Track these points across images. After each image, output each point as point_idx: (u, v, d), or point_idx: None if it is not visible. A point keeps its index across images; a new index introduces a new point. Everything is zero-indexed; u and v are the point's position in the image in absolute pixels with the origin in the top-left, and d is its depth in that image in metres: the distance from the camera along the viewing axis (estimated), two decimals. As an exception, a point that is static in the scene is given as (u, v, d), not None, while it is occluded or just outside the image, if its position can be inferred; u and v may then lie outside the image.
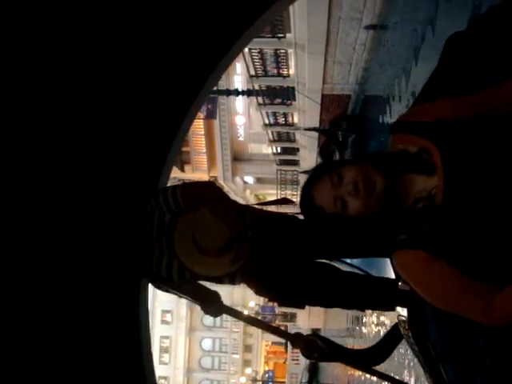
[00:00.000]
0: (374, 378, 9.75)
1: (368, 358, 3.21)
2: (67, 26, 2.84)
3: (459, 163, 1.60)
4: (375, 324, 10.40)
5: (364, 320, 12.61)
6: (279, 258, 3.04)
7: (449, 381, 1.94)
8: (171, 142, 3.13)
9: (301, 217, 2.95)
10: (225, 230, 2.88)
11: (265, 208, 3.44)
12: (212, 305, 3.01)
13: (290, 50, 13.22)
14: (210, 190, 2.95)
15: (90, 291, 2.98)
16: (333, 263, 3.24)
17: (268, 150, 24.35)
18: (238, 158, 26.50)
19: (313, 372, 25.27)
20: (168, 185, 3.13)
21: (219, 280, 3.04)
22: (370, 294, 3.16)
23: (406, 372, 8.02)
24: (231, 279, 3.03)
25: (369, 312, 11.01)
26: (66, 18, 2.83)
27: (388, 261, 1.80)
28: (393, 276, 2.84)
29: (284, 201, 3.67)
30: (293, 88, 14.91)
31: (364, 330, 12.47)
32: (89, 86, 2.92)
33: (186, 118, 3.22)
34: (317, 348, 2.96)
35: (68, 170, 2.97)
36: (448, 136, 1.63)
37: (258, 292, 3.23)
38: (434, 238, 1.61)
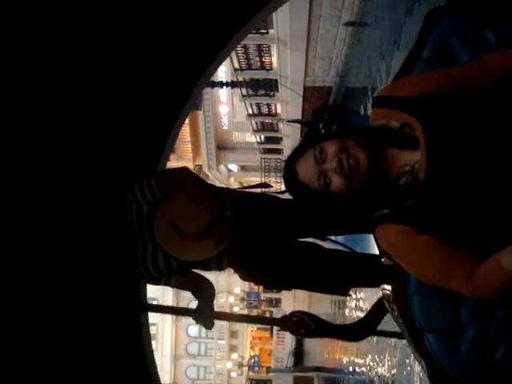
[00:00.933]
0: (360, 360, 10.09)
1: (354, 332, 3.26)
2: (67, 22, 3.01)
3: (441, 137, 1.60)
4: (359, 308, 10.49)
5: (347, 304, 12.45)
6: (261, 237, 3.03)
7: (433, 352, 1.94)
8: (173, 125, 3.51)
9: (281, 197, 3.12)
10: (204, 213, 2.86)
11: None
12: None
13: (273, 45, 13.57)
14: (184, 176, 2.92)
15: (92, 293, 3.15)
16: (316, 242, 3.26)
17: (251, 138, 24.57)
18: (223, 147, 26.61)
19: (298, 356, 25.11)
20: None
21: (206, 265, 3.02)
22: (353, 271, 3.18)
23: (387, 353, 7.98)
24: (218, 263, 3.01)
25: (352, 296, 10.78)
26: (64, 13, 2.99)
27: (372, 238, 1.84)
28: (377, 252, 3.05)
29: (263, 185, 3.63)
30: (276, 80, 15.31)
31: (347, 313, 12.41)
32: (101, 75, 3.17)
33: (187, 104, 3.61)
34: (304, 324, 3.01)
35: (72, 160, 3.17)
36: (430, 110, 1.63)
37: (244, 275, 3.22)
38: (417, 211, 1.62)
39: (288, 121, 16.20)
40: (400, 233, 1.62)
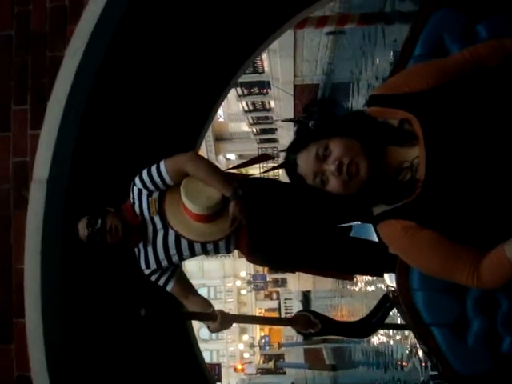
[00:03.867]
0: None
1: (360, 329, 3.24)
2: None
3: (440, 132, 1.56)
4: (363, 282, 10.41)
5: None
6: (269, 218, 3.00)
7: (441, 346, 1.92)
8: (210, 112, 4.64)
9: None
10: (215, 194, 2.85)
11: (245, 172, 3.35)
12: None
13: (264, 54, 14.84)
14: (193, 158, 2.89)
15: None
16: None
17: (247, 128, 25.68)
18: (220, 138, 27.47)
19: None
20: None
21: (216, 248, 2.99)
22: (361, 258, 3.16)
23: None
24: (227, 245, 2.99)
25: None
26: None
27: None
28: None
29: (264, 157, 3.60)
30: (268, 82, 16.61)
31: (351, 288, 12.42)
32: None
33: (222, 95, 4.83)
34: (310, 323, 2.98)
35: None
36: (426, 105, 1.60)
37: (251, 257, 3.13)
38: (419, 206, 1.58)
39: (282, 120, 17.39)
40: (403, 229, 1.59)
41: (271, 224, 3.01)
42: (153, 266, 2.98)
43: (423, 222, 1.58)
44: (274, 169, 3.56)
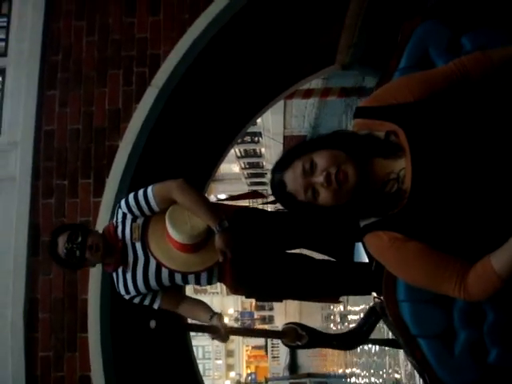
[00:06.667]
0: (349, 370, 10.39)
1: (347, 341, 3.17)
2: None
3: (425, 143, 1.54)
4: (348, 321, 10.38)
5: (337, 317, 12.73)
6: (252, 249, 2.94)
7: (428, 357, 1.91)
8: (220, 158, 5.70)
9: (270, 209, 3.20)
10: (200, 224, 2.76)
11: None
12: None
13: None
14: (181, 186, 2.79)
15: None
16: (304, 252, 3.18)
17: (237, 169, 26.58)
18: (212, 179, 28.48)
19: (292, 370, 25.76)
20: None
21: (196, 278, 2.91)
22: (343, 280, 3.10)
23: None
24: (208, 276, 2.91)
25: (340, 309, 11.23)
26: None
27: (361, 246, 1.81)
28: (366, 260, 2.87)
29: (254, 194, 3.56)
30: (260, 132, 17.98)
31: (336, 327, 12.38)
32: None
33: (235, 139, 5.86)
34: (298, 336, 2.90)
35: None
36: (412, 117, 1.59)
37: (234, 288, 3.04)
38: (405, 218, 1.56)
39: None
40: (389, 240, 1.57)
41: (255, 254, 2.96)
42: (132, 292, 2.93)
43: (409, 233, 1.56)
44: (267, 203, 3.54)
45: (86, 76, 4.48)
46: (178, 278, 2.87)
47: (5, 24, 4.65)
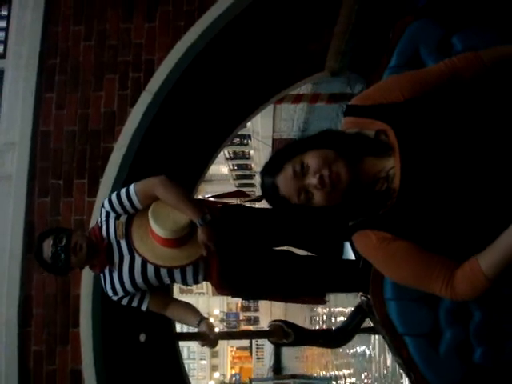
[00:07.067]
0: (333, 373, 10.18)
1: (334, 339, 3.15)
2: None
3: (415, 143, 1.54)
4: (333, 323, 10.14)
5: (319, 319, 12.75)
6: (237, 246, 2.95)
7: (414, 356, 1.91)
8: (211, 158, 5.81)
9: (256, 206, 3.14)
10: (182, 219, 2.77)
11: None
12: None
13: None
14: (163, 182, 2.80)
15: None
16: (290, 249, 3.17)
17: (226, 170, 26.80)
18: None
19: (277, 371, 25.14)
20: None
21: (182, 276, 2.91)
22: (329, 276, 3.09)
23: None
24: (194, 274, 2.91)
25: (325, 310, 11.23)
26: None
27: (347, 244, 1.75)
28: (353, 257, 2.89)
29: (239, 193, 3.59)
30: (249, 135, 18.13)
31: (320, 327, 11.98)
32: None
33: (225, 142, 5.87)
34: (284, 334, 2.89)
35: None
36: (402, 116, 1.59)
37: (220, 287, 3.03)
38: (394, 217, 1.57)
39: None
40: (378, 239, 1.57)
41: (242, 251, 2.96)
42: (120, 292, 2.93)
43: (398, 232, 1.56)
44: (252, 201, 3.45)
45: (83, 79, 4.61)
46: (164, 273, 2.88)
47: (4, 26, 4.78)
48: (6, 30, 4.75)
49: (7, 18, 4.77)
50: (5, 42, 4.74)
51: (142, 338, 2.57)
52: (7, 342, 4.34)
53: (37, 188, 4.53)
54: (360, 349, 7.65)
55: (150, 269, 2.85)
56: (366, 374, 7.35)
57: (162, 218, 2.77)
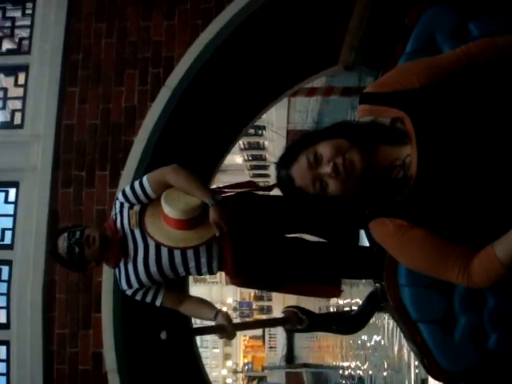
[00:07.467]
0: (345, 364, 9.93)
1: (347, 326, 3.16)
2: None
3: (431, 131, 1.54)
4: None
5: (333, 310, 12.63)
6: (251, 234, 2.98)
7: (428, 342, 1.89)
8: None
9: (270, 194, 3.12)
10: (194, 200, 2.84)
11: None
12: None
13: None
14: (174, 170, 2.89)
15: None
16: (303, 236, 3.16)
17: (240, 160, 26.82)
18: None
19: (289, 360, 25.25)
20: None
21: (197, 265, 2.94)
22: (343, 263, 3.08)
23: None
24: (208, 263, 2.94)
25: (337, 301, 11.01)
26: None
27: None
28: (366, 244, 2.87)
29: (249, 184, 3.48)
30: (264, 126, 18.24)
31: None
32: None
33: (241, 134, 6.08)
34: (299, 320, 2.90)
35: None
36: (418, 103, 1.58)
37: (235, 273, 3.04)
38: (411, 204, 1.57)
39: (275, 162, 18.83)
40: (394, 227, 1.58)
41: (256, 238, 2.98)
42: (135, 285, 2.96)
43: (414, 220, 1.56)
44: (265, 189, 3.36)
45: (105, 75, 4.78)
46: (179, 261, 2.92)
47: (29, 24, 4.96)
48: (30, 27, 4.92)
49: (32, 15, 4.94)
50: (30, 39, 4.91)
51: (163, 335, 2.56)
52: (32, 324, 4.54)
53: (60, 179, 4.71)
54: (371, 340, 7.63)
55: (165, 256, 2.90)
56: (375, 364, 7.42)
57: (174, 201, 2.86)
